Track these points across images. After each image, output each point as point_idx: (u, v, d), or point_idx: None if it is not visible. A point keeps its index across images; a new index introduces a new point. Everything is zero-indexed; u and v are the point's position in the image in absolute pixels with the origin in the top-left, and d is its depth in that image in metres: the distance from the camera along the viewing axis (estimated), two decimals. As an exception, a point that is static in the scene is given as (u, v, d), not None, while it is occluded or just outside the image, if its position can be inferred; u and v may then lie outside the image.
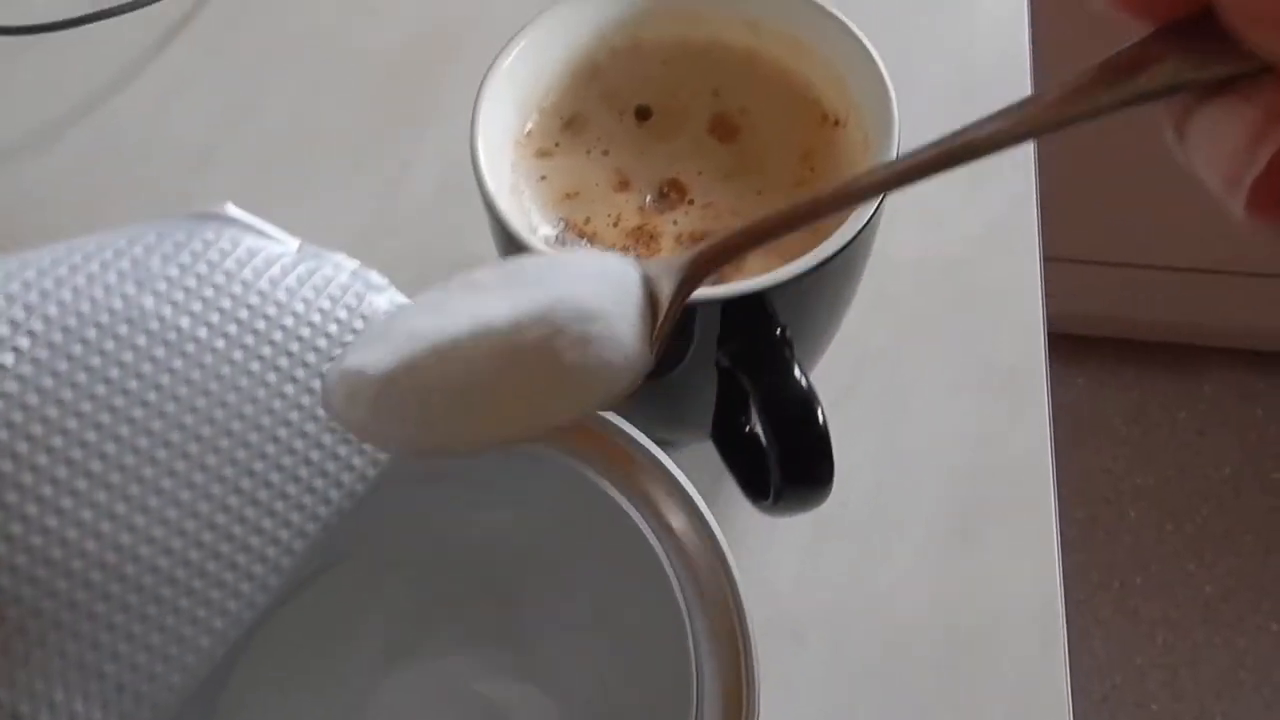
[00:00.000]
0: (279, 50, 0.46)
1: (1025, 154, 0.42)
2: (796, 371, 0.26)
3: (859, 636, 0.34)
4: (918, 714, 0.33)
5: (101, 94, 0.45)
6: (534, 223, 0.30)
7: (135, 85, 0.45)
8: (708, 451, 0.34)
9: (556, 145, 0.31)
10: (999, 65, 0.44)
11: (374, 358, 0.18)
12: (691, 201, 0.30)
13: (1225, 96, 0.14)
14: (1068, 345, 1.24)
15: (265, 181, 0.43)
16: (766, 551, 0.35)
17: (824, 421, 0.26)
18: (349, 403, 0.18)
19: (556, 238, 0.29)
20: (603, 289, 0.18)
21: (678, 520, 0.24)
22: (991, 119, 0.17)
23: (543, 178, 0.30)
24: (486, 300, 0.18)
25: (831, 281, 0.28)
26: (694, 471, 0.36)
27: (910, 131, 0.29)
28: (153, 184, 0.43)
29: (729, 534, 0.35)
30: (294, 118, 0.44)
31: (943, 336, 0.38)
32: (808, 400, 0.26)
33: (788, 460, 0.26)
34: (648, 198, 0.30)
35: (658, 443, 0.36)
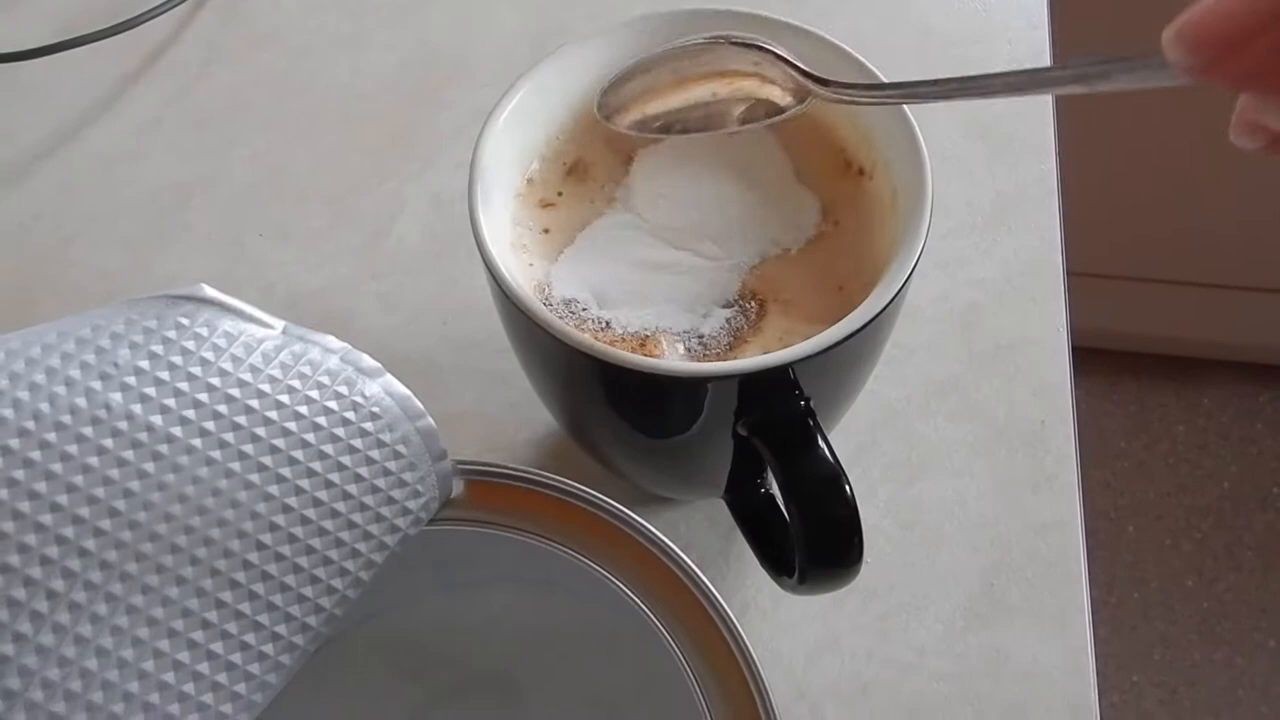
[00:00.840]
0: (259, 83, 0.44)
1: (1050, 195, 0.40)
2: (823, 446, 0.24)
3: (880, 711, 0.32)
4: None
5: (73, 127, 0.43)
6: (537, 278, 0.28)
7: (108, 118, 0.43)
8: (719, 507, 0.32)
9: (560, 195, 0.29)
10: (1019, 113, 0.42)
11: None
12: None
13: None
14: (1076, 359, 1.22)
15: (245, 220, 0.41)
16: (779, 615, 0.33)
17: (853, 500, 0.24)
18: None
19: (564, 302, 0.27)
20: None
21: (693, 617, 0.22)
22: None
23: (545, 230, 0.29)
24: None
25: (859, 349, 0.26)
26: (707, 528, 0.35)
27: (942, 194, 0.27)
28: (126, 223, 0.41)
29: (739, 596, 0.34)
30: (275, 153, 0.42)
31: (965, 390, 0.36)
32: (836, 479, 0.24)
33: (814, 542, 0.24)
34: (658, 250, 0.28)
35: (667, 500, 0.34)
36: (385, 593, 0.22)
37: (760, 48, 0.26)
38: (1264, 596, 1.12)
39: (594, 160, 0.30)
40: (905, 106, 0.26)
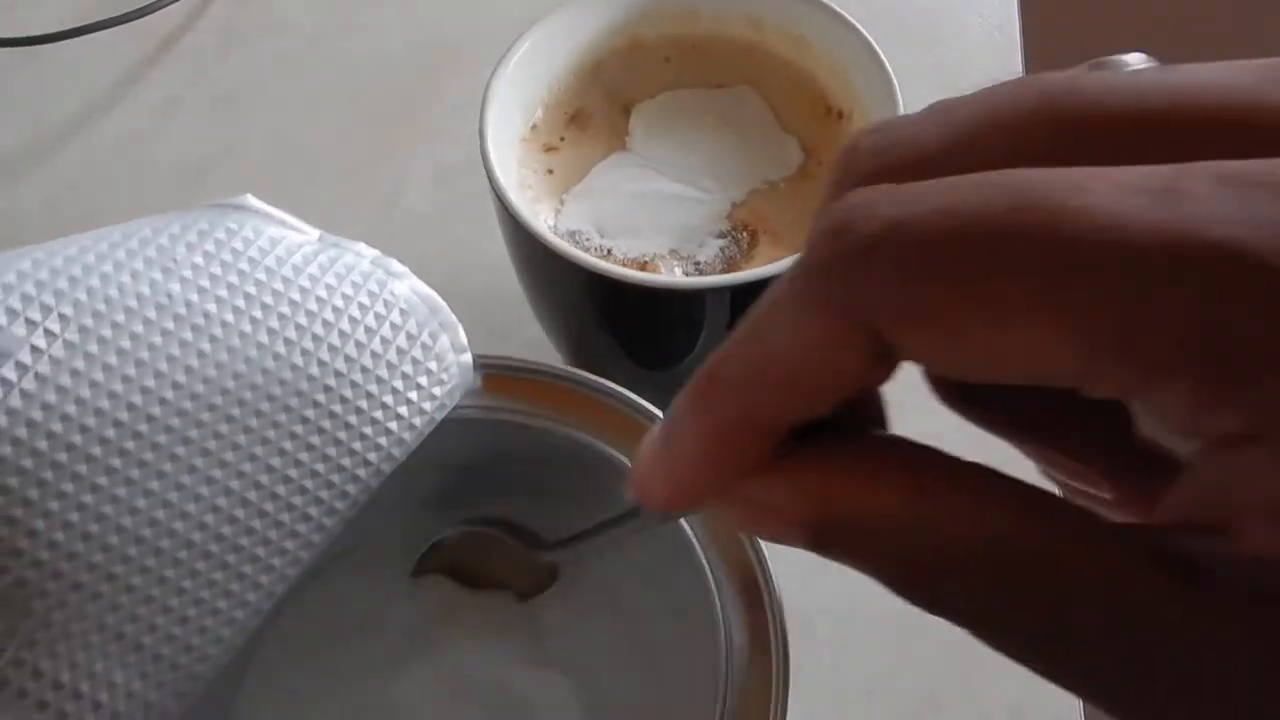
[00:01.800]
0: (273, 64, 0.47)
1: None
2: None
3: (869, 626, 0.34)
4: (931, 700, 0.33)
5: (96, 107, 0.46)
6: (542, 215, 0.30)
7: (129, 98, 0.46)
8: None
9: (562, 140, 0.32)
10: (989, 50, 0.45)
11: None
12: (697, 195, 0.30)
13: None
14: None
15: (261, 193, 0.43)
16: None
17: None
18: None
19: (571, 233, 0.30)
20: None
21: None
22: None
23: (550, 171, 0.31)
24: None
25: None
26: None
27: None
28: (148, 196, 0.43)
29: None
30: (289, 130, 0.45)
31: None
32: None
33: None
34: (654, 191, 0.30)
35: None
36: (416, 490, 0.24)
37: None
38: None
39: (594, 110, 0.32)
40: (876, 48, 0.29)
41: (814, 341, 0.13)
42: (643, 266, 0.29)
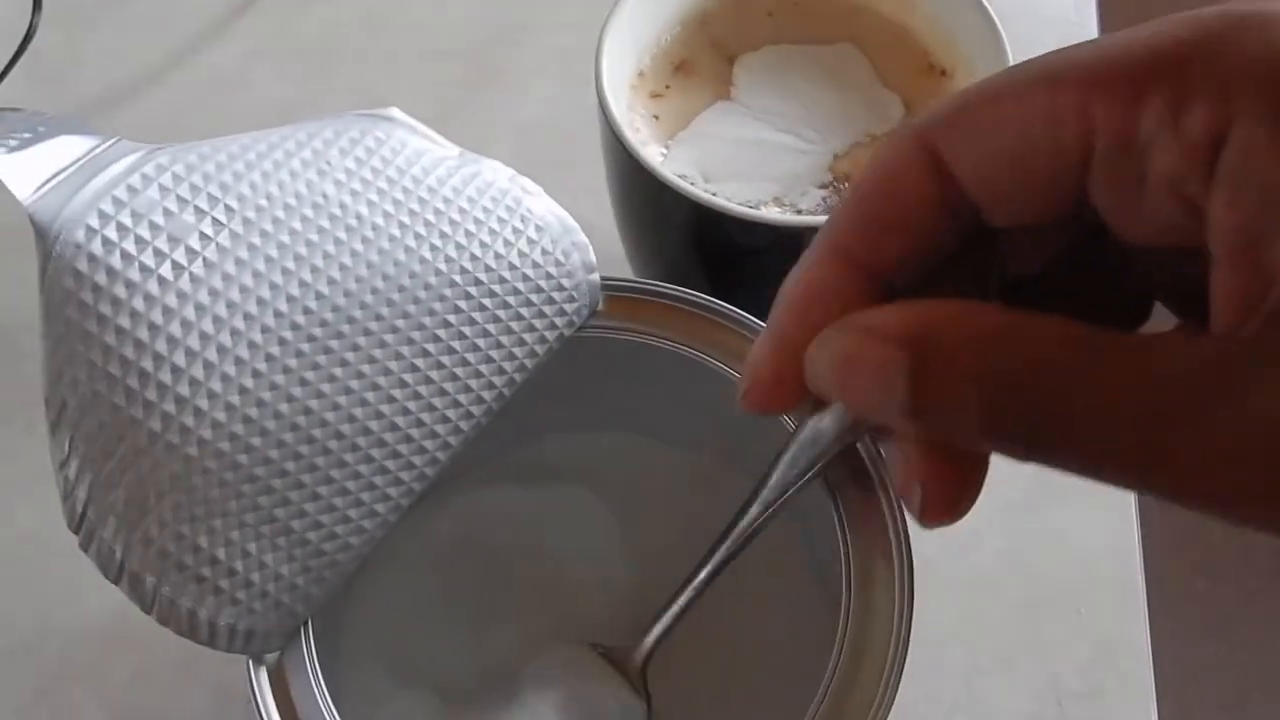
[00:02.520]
0: (355, 19, 0.47)
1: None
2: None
3: (940, 586, 0.35)
4: (1001, 659, 0.34)
5: (182, 53, 0.46)
6: (651, 157, 0.31)
7: (215, 46, 0.47)
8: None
9: (667, 88, 0.32)
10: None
11: None
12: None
13: (887, 440, 0.18)
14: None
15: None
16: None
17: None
18: None
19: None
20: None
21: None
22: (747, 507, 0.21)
23: (656, 117, 0.32)
24: None
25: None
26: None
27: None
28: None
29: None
30: (369, 84, 0.45)
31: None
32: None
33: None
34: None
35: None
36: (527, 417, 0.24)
37: None
38: (1276, 597, 1.14)
39: (699, 59, 0.33)
40: (986, 3, 0.30)
41: (887, 167, 0.16)
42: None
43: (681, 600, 0.22)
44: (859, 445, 0.23)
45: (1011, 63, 0.29)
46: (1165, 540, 1.16)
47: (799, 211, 0.30)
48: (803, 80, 0.32)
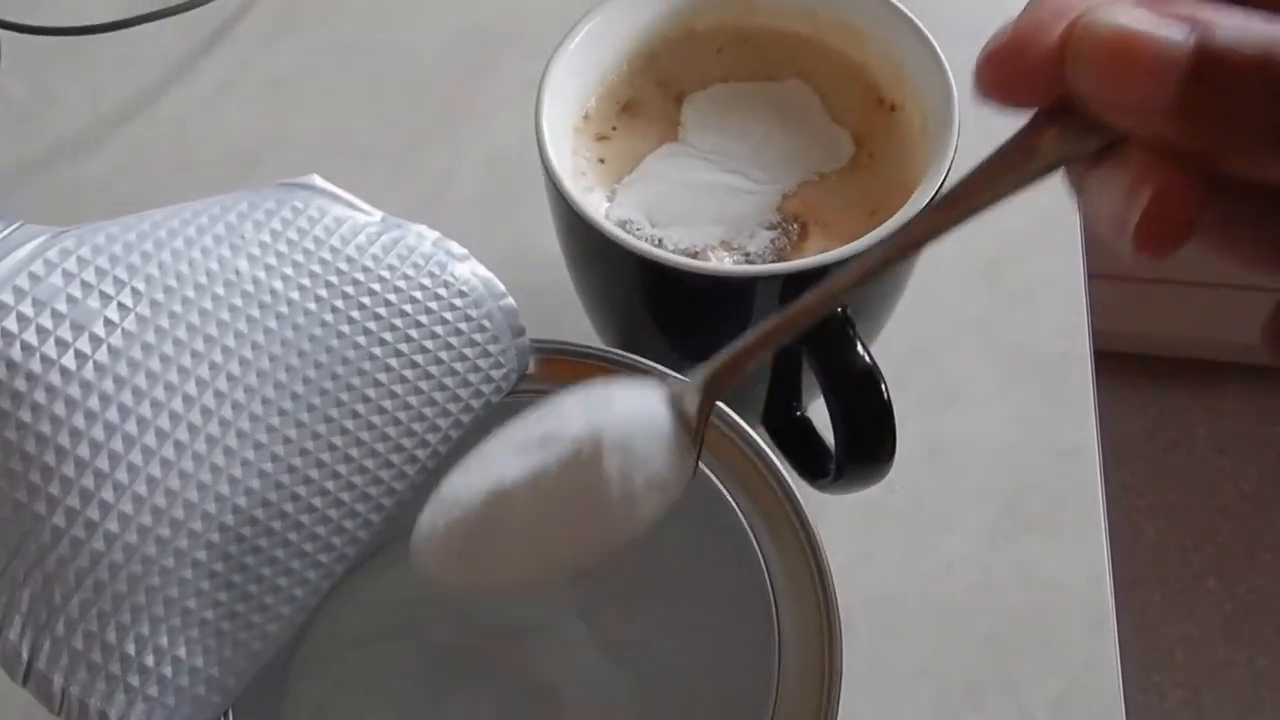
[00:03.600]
0: (324, 52, 0.47)
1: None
2: (860, 347, 0.27)
3: (909, 621, 0.34)
4: (971, 695, 0.33)
5: (148, 95, 0.46)
6: (594, 204, 0.30)
7: (183, 85, 0.46)
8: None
9: (614, 129, 0.32)
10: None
11: (432, 520, 0.20)
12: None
13: (1105, 163, 0.16)
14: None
15: (315, 178, 0.44)
16: (822, 530, 0.36)
17: (888, 395, 0.26)
18: (424, 565, 0.20)
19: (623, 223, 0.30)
20: (634, 418, 0.20)
21: (765, 499, 0.24)
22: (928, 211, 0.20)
23: (601, 160, 0.31)
24: (528, 453, 0.19)
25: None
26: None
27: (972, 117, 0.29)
28: (201, 181, 0.44)
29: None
30: (341, 115, 0.45)
31: (989, 327, 0.39)
32: (872, 374, 0.26)
33: (852, 434, 0.27)
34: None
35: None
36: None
37: None
38: (1284, 596, 1.13)
39: (646, 99, 0.32)
40: (931, 39, 0.29)
41: None
42: (694, 255, 0.29)
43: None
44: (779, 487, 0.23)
45: (956, 95, 0.28)
46: (1137, 572, 1.16)
47: (747, 254, 0.29)
48: (751, 119, 0.31)
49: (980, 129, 0.42)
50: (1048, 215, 0.41)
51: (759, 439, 0.25)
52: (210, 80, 0.46)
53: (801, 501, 0.24)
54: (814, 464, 0.31)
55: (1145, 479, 1.21)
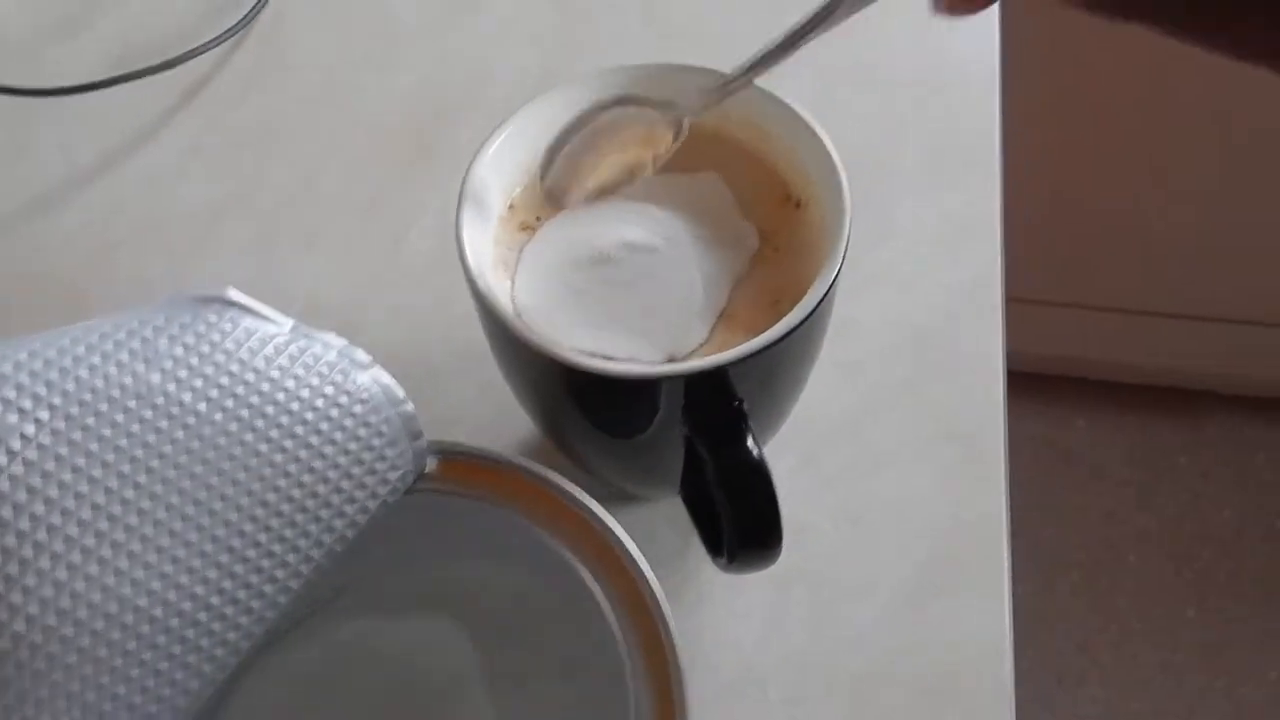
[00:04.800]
0: (290, 107, 0.49)
1: (991, 218, 0.44)
2: (749, 442, 0.28)
3: (820, 687, 0.36)
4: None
5: (119, 155, 0.48)
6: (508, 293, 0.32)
7: (154, 143, 0.48)
8: (680, 509, 0.36)
9: (538, 219, 0.33)
10: (971, 142, 0.46)
11: None
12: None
13: None
14: (1070, 387, 1.25)
15: (272, 240, 0.46)
16: (732, 603, 0.37)
17: (773, 491, 0.28)
18: None
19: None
20: None
21: (622, 576, 0.26)
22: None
23: (523, 251, 0.33)
24: None
25: (790, 354, 0.30)
26: (667, 525, 0.39)
27: (878, 208, 0.31)
28: (166, 238, 0.46)
29: (696, 587, 0.38)
30: (303, 173, 0.47)
31: (906, 402, 0.40)
32: (758, 469, 0.28)
33: (739, 525, 0.28)
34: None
35: (632, 497, 0.38)
36: (369, 554, 0.26)
37: (629, 100, 0.30)
38: (1265, 627, 1.14)
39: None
40: (828, 143, 0.31)
41: None
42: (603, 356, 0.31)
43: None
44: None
45: (847, 199, 0.30)
46: (1117, 599, 1.17)
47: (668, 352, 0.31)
48: (661, 209, 0.33)
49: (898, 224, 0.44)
50: (968, 284, 0.43)
51: (617, 527, 0.27)
52: (179, 141, 0.48)
53: (654, 583, 0.26)
54: (718, 541, 0.32)
55: (1128, 506, 1.22)
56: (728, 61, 0.31)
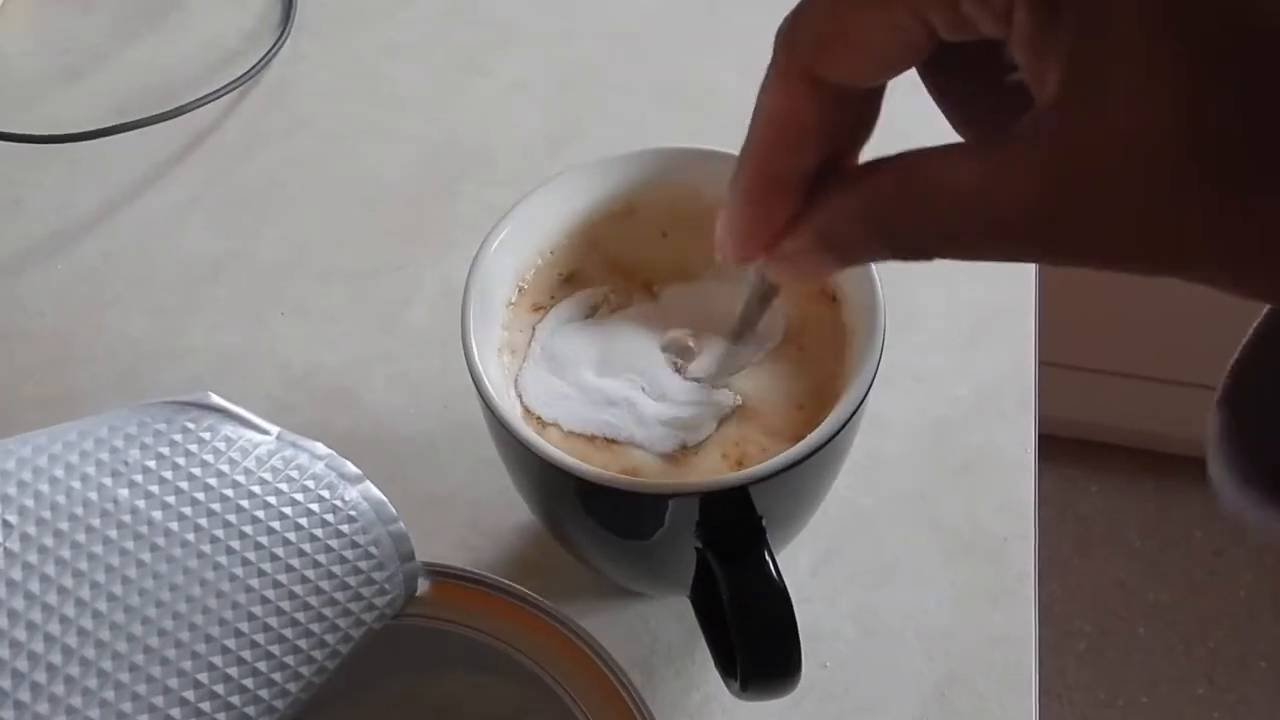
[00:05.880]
0: (293, 164, 0.47)
1: (1026, 314, 0.42)
2: (769, 566, 0.26)
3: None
4: None
5: (115, 204, 0.47)
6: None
7: (152, 194, 0.47)
8: (686, 604, 0.34)
9: (552, 299, 0.32)
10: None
11: None
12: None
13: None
14: (1085, 451, 1.22)
15: (269, 297, 0.44)
16: (738, 712, 0.35)
17: (792, 618, 0.26)
18: None
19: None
20: None
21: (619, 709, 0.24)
22: None
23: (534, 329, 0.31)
24: None
25: (813, 472, 0.28)
26: (675, 621, 0.36)
27: (904, 294, 0.29)
28: (160, 291, 0.44)
29: (701, 690, 0.35)
30: (302, 232, 0.45)
31: (932, 501, 0.38)
32: (777, 595, 0.26)
33: (754, 655, 0.26)
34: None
35: (638, 595, 0.36)
36: (350, 674, 0.24)
37: None
38: (1276, 709, 1.11)
39: (591, 271, 0.32)
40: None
41: (781, 101, 0.19)
42: (611, 441, 0.29)
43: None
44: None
45: (880, 294, 0.28)
46: (1127, 672, 1.14)
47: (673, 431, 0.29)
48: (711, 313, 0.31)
49: (927, 318, 0.42)
50: (998, 384, 0.40)
51: (618, 666, 0.25)
52: (178, 192, 0.47)
53: (644, 702, 0.24)
54: (729, 659, 0.30)
55: (1140, 576, 1.19)
56: (736, 136, 0.29)
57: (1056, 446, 1.21)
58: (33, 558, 0.20)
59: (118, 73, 0.51)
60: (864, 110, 0.20)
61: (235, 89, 0.48)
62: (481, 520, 0.38)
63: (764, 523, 0.27)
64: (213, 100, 0.48)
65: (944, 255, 0.18)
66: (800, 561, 0.37)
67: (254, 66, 0.49)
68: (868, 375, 0.27)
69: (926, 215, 0.18)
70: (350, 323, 0.43)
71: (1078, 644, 1.16)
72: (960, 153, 0.18)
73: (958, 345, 0.41)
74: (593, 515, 0.29)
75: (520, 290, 0.32)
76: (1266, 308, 0.21)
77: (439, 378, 0.42)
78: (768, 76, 0.19)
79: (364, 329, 0.43)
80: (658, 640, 0.36)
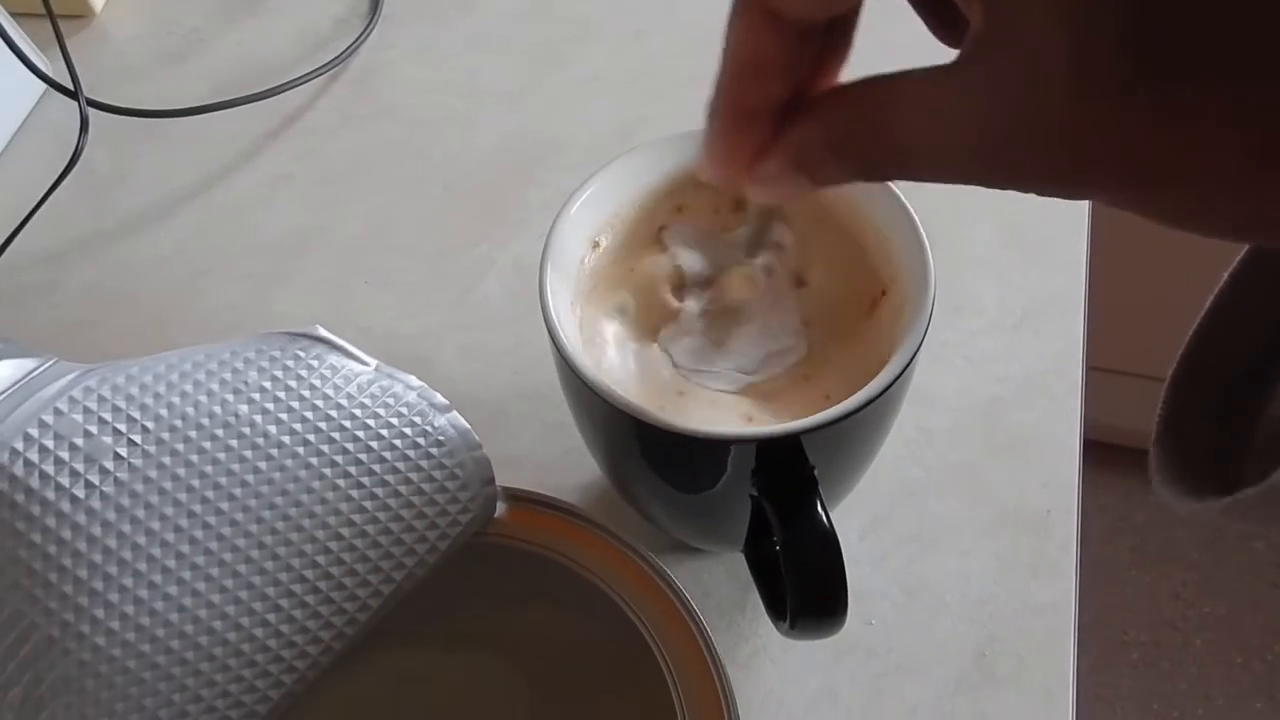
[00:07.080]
0: (379, 147, 0.50)
1: (1076, 303, 0.43)
2: (820, 512, 0.28)
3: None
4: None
5: (213, 178, 0.50)
6: (598, 338, 0.32)
7: (246, 170, 0.50)
8: (740, 562, 0.36)
9: (631, 271, 0.34)
10: (1057, 214, 0.46)
11: None
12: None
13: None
14: (1144, 463, 1.21)
15: (351, 271, 0.47)
16: (786, 662, 0.37)
17: (840, 559, 0.28)
18: None
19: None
20: None
21: (682, 633, 0.26)
22: None
23: (594, 286, 0.33)
24: None
25: (865, 425, 0.30)
26: (727, 578, 0.38)
27: (960, 281, 0.31)
28: (253, 261, 0.47)
29: (752, 644, 0.37)
30: (385, 211, 0.48)
31: (979, 475, 0.40)
32: (828, 539, 0.28)
33: (803, 595, 0.28)
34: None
35: (694, 551, 0.38)
36: (438, 594, 0.26)
37: None
38: (1336, 727, 1.09)
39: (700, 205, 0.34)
40: (917, 219, 0.31)
41: (743, 36, 0.20)
42: (681, 392, 0.30)
43: None
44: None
45: (933, 278, 0.30)
46: (1180, 684, 1.12)
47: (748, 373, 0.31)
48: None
49: (982, 304, 0.44)
50: (1048, 363, 0.42)
51: (681, 588, 0.26)
52: (270, 169, 0.50)
53: (713, 644, 0.26)
54: (780, 604, 0.32)
55: (1196, 588, 1.18)
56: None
57: (1115, 457, 1.20)
58: (166, 459, 0.23)
59: (217, 55, 0.54)
60: (834, 39, 0.20)
61: (325, 73, 0.52)
62: (547, 480, 0.40)
63: (815, 473, 0.29)
64: (304, 83, 0.51)
65: (903, 176, 0.19)
66: (850, 526, 0.39)
67: (343, 53, 0.52)
68: (916, 337, 0.29)
69: (884, 139, 0.19)
70: (427, 295, 0.46)
71: (1131, 654, 1.15)
72: (914, 78, 0.18)
73: (1008, 330, 0.43)
74: (654, 463, 0.31)
75: (595, 247, 0.34)
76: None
77: (511, 349, 0.44)
78: (732, 10, 0.20)
79: (440, 301, 0.46)
80: (709, 596, 0.38)
